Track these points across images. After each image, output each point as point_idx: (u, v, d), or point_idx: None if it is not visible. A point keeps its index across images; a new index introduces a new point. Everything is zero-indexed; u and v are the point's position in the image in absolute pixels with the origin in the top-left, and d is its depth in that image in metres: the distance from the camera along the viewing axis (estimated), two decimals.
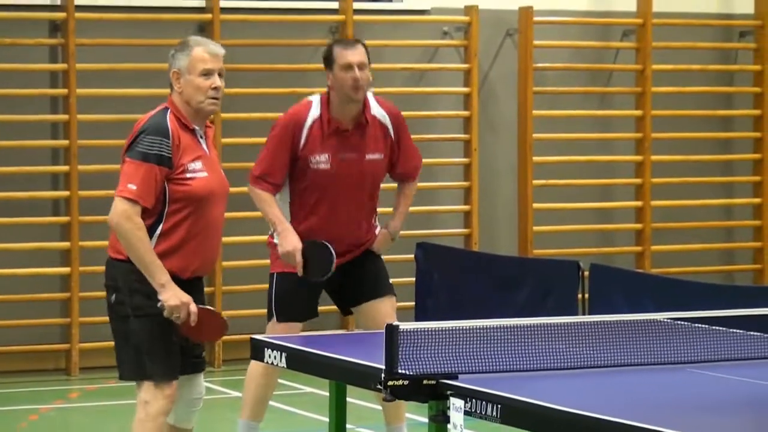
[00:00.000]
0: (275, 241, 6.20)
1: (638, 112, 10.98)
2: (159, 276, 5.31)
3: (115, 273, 5.45)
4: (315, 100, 6.19)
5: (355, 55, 6.11)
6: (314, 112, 6.14)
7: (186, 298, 5.34)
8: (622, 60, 11.07)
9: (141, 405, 5.44)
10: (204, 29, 10.04)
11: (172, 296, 5.31)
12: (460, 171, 10.65)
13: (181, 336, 5.44)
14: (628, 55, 11.03)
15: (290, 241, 6.00)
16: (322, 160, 6.10)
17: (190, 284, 5.47)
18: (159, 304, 5.34)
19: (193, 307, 5.36)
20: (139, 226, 5.31)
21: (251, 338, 5.41)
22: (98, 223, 9.80)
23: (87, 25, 9.78)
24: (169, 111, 5.50)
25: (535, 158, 10.68)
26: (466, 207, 10.64)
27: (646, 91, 10.92)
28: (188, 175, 5.38)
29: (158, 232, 5.40)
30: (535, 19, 10.59)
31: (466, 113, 10.60)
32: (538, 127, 10.71)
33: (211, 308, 5.60)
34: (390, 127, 6.22)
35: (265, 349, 5.21)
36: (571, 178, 10.87)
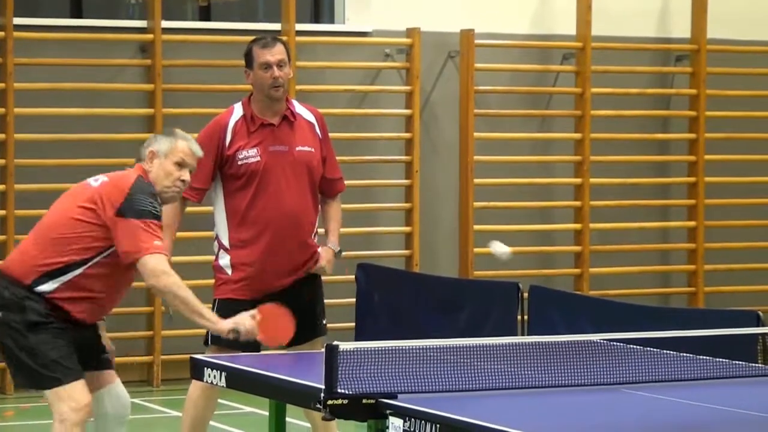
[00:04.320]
0: (221, 264, 6.19)
1: (577, 135, 11.09)
2: (211, 318, 5.52)
3: (2, 290, 5.50)
4: (236, 105, 6.26)
5: (273, 54, 6.14)
6: (237, 113, 6.18)
7: (232, 321, 5.47)
8: (561, 83, 11.18)
9: (57, 418, 5.46)
10: (145, 50, 10.03)
11: (224, 325, 5.49)
12: (402, 192, 10.70)
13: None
14: (568, 79, 11.14)
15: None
16: (251, 154, 6.09)
17: (89, 327, 5.57)
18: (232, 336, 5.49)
19: (248, 323, 5.45)
20: (179, 281, 5.51)
21: (191, 357, 5.40)
22: None
23: (27, 45, 9.74)
24: (139, 177, 5.61)
25: (476, 180, 10.75)
26: (407, 228, 10.68)
27: (586, 114, 11.03)
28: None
29: (72, 275, 5.48)
30: (477, 41, 10.68)
31: (407, 135, 10.66)
32: (479, 150, 10.79)
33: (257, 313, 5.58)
34: (316, 125, 6.26)
35: (205, 368, 5.20)
36: (511, 201, 10.95)
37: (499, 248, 6.29)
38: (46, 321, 5.46)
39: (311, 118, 6.27)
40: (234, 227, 6.15)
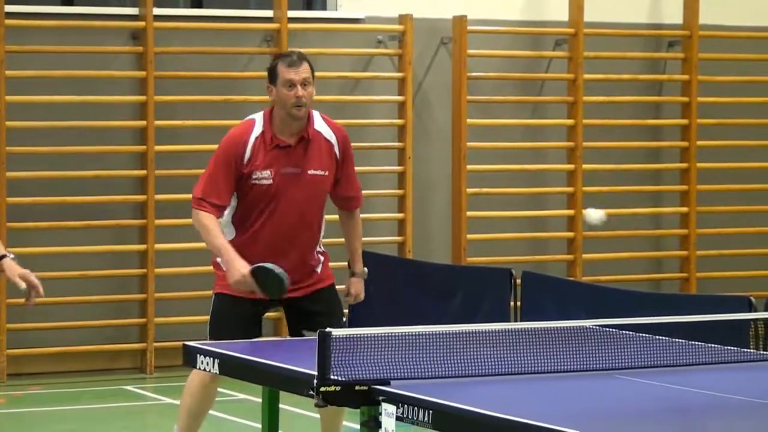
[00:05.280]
0: (218, 261, 6.16)
1: (570, 121, 11.09)
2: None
3: None
4: (257, 117, 6.14)
5: (298, 73, 6.08)
6: (257, 129, 6.09)
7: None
8: (554, 69, 11.18)
9: None
10: (137, 37, 10.01)
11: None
12: (395, 179, 10.70)
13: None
14: (560, 65, 11.14)
15: (237, 269, 5.94)
16: (264, 176, 6.04)
17: None
18: None
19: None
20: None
21: (184, 344, 5.41)
22: (27, 230, 9.74)
23: (18, 32, 9.72)
24: None
25: (469, 167, 10.75)
26: (400, 215, 10.68)
27: (578, 101, 11.03)
28: None
29: None
30: (469, 28, 10.67)
31: (400, 122, 10.65)
32: (472, 136, 10.79)
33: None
34: (335, 145, 6.17)
35: (198, 355, 5.21)
36: (504, 187, 10.95)
37: (594, 215, 6.15)
38: None
39: (332, 137, 6.17)
40: (239, 233, 6.12)
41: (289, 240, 6.11)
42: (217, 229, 6.03)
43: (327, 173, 6.15)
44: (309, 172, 6.11)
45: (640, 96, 11.44)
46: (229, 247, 5.99)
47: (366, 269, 6.37)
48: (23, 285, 5.21)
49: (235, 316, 6.09)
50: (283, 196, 6.07)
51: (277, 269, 5.88)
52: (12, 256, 5.32)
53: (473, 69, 10.78)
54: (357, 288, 6.34)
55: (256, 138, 6.07)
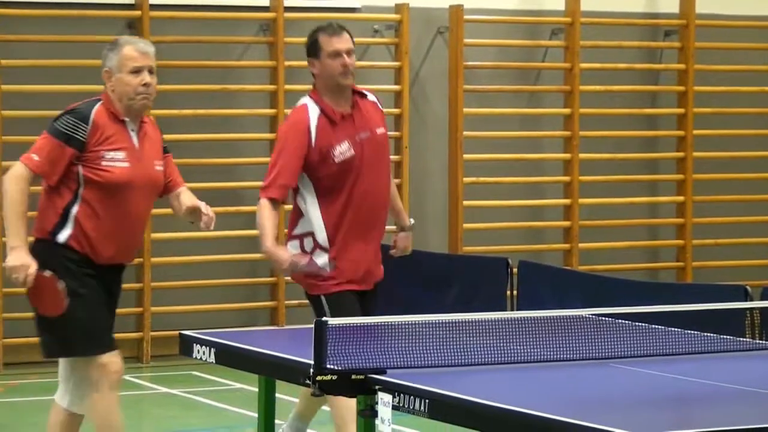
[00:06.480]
0: (319, 263, 5.99)
1: (566, 111, 11.09)
2: (13, 239, 5.44)
3: (43, 253, 5.53)
4: (307, 101, 6.05)
5: (342, 42, 6.06)
6: (313, 110, 6.00)
7: (27, 261, 5.43)
8: (550, 58, 11.18)
9: (90, 384, 5.51)
10: (133, 26, 10.00)
11: (13, 258, 5.43)
12: (391, 168, 10.68)
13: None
14: (557, 54, 11.13)
15: (282, 255, 5.89)
16: (344, 149, 5.97)
17: (106, 271, 5.53)
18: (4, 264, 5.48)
19: (32, 270, 5.43)
20: (22, 189, 5.47)
21: (180, 334, 5.41)
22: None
23: (13, 21, 9.71)
24: (100, 102, 5.63)
25: (466, 156, 10.75)
26: None
27: (574, 90, 11.03)
28: (104, 164, 5.52)
29: (73, 212, 5.54)
30: (466, 17, 10.66)
31: (397, 111, 10.65)
32: (469, 125, 10.79)
33: (53, 277, 5.54)
34: (377, 102, 6.19)
35: (194, 344, 5.21)
36: (500, 176, 10.95)
37: None
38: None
39: (371, 96, 6.18)
40: (332, 224, 6.01)
41: (380, 210, 6.08)
42: (276, 217, 5.95)
43: (385, 130, 6.17)
44: (377, 131, 6.09)
45: (637, 85, 11.43)
46: (273, 233, 5.92)
47: (412, 220, 6.37)
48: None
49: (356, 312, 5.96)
50: (367, 164, 6.03)
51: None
52: None
53: (470, 58, 10.77)
54: (406, 242, 6.33)
55: (318, 117, 5.97)
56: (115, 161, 5.52)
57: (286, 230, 6.28)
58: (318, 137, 5.95)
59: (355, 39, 11.54)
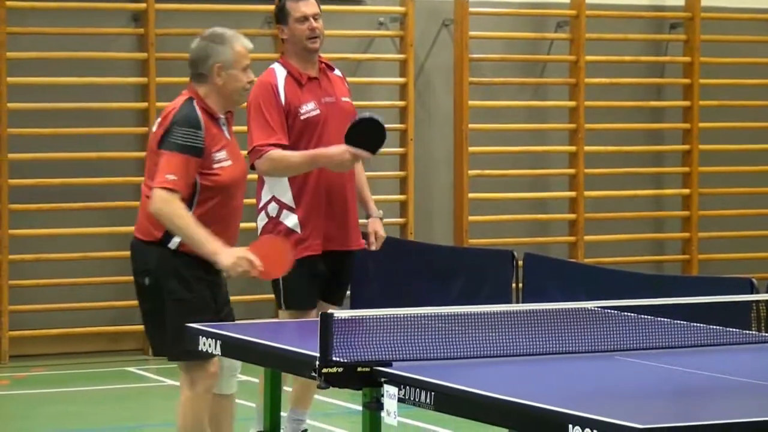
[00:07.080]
0: (288, 225, 6.04)
1: (572, 103, 11.08)
2: (208, 247, 5.36)
3: (148, 256, 5.51)
4: (274, 65, 6.22)
5: (308, 6, 6.17)
6: (280, 72, 6.15)
7: (235, 252, 5.36)
8: (556, 51, 11.17)
9: (187, 385, 5.51)
10: (138, 18, 10.00)
11: (226, 257, 5.35)
12: (396, 161, 10.70)
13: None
14: (562, 46, 11.13)
15: (334, 148, 5.90)
16: (311, 108, 6.08)
17: (214, 273, 5.52)
18: (224, 273, 5.42)
19: (246, 255, 5.36)
20: (179, 206, 5.37)
21: (186, 326, 5.40)
22: (29, 212, 9.74)
23: (19, 14, 9.71)
24: (194, 101, 5.54)
25: (471, 148, 10.75)
26: (402, 197, 10.69)
27: (580, 82, 11.02)
28: (215, 166, 5.46)
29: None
30: (471, 9, 10.65)
31: (402, 103, 10.65)
32: (474, 118, 10.78)
33: (263, 241, 5.56)
34: (343, 77, 6.29)
35: (200, 337, 5.21)
36: (505, 169, 10.95)
37: None
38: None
39: (337, 71, 6.30)
40: (297, 183, 6.08)
41: (340, 176, 6.10)
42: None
43: (351, 101, 6.24)
44: (342, 99, 6.19)
45: (642, 78, 11.43)
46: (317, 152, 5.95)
47: (381, 212, 6.39)
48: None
49: (301, 283, 6.05)
50: (332, 126, 6.09)
51: (376, 123, 5.85)
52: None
53: (475, 51, 10.77)
54: (375, 225, 6.30)
55: (285, 78, 6.11)
56: (221, 162, 5.48)
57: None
58: (286, 97, 6.07)
59: (360, 32, 11.60)
